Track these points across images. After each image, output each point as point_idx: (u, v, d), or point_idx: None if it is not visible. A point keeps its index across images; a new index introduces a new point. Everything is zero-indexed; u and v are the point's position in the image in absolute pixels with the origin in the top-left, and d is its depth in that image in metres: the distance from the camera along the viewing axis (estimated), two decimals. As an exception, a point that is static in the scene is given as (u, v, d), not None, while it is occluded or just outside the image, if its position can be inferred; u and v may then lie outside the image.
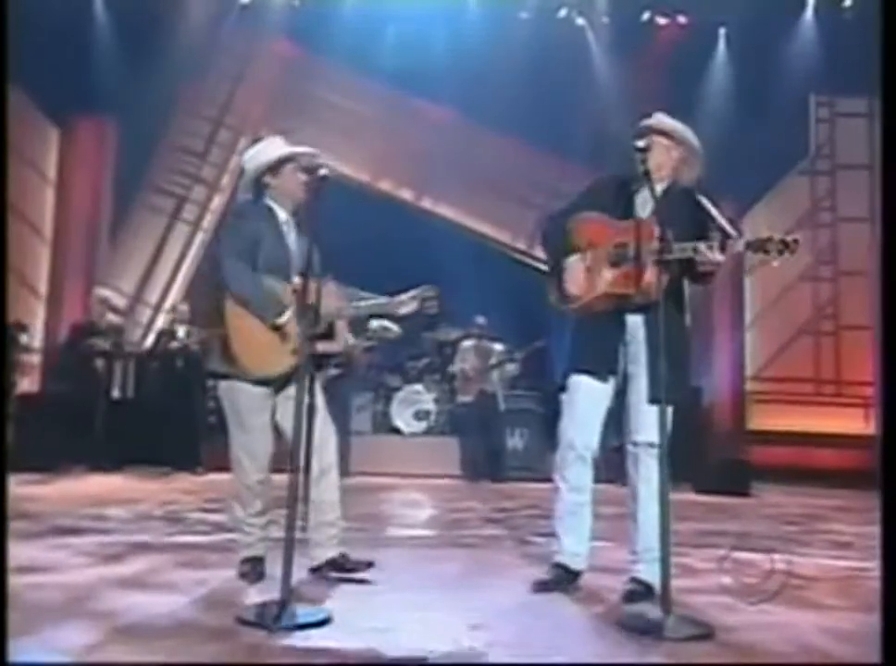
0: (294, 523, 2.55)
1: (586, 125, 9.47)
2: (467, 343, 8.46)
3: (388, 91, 10.25)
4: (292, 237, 3.19)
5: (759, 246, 2.73)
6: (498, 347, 8.38)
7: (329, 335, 3.20)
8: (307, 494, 2.95)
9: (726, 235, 2.81)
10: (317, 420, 3.01)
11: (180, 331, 7.85)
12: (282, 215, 3.20)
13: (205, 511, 5.03)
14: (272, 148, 3.22)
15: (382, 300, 3.28)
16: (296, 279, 3.05)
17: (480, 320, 8.42)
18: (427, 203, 10.94)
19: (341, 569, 3.12)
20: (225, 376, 3.09)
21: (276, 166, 3.18)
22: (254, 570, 3.09)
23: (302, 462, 2.83)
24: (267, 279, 3.06)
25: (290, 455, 2.66)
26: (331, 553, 3.13)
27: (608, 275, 3.01)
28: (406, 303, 3.22)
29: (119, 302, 8.33)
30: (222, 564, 3.29)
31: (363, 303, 3.25)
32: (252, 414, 3.10)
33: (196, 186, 10.59)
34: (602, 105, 9.58)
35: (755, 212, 10.30)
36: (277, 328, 3.02)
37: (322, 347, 3.14)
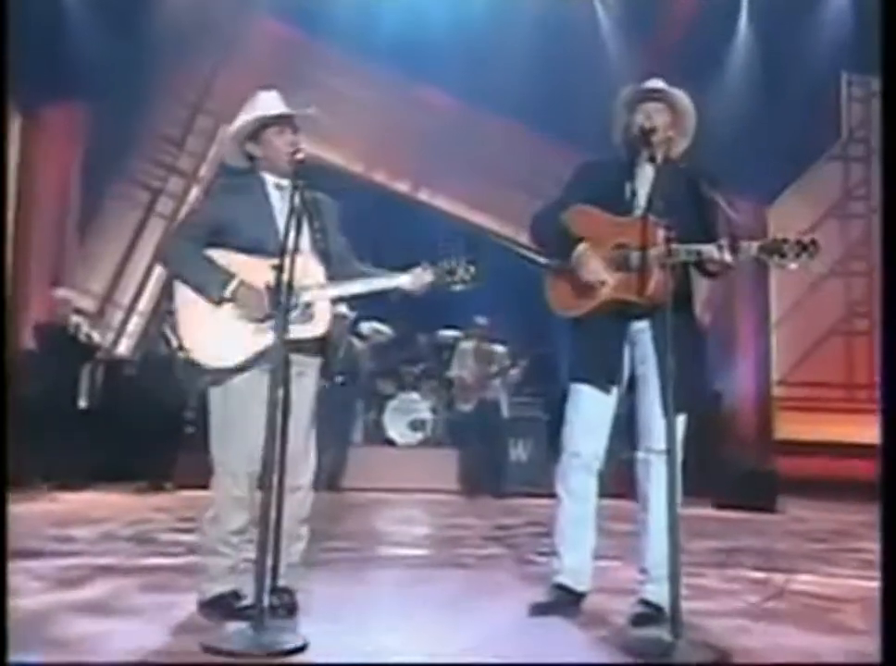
0: (266, 542, 2.53)
1: (596, 109, 9.42)
2: (467, 346, 8.44)
3: (384, 74, 10.25)
4: (284, 210, 2.97)
5: (774, 248, 2.71)
6: (500, 350, 8.36)
7: (304, 319, 2.96)
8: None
9: (734, 238, 2.79)
10: (291, 424, 2.90)
11: (173, 337, 7.75)
12: (273, 186, 3.08)
13: (179, 530, 5.00)
14: (250, 110, 3.05)
15: (378, 279, 3.03)
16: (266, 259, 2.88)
17: (481, 320, 8.39)
18: (424, 195, 10.95)
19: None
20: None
21: (254, 133, 3.05)
22: (225, 606, 2.90)
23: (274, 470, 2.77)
24: (214, 253, 2.95)
25: (262, 461, 2.60)
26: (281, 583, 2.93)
27: (610, 279, 2.99)
28: (412, 279, 2.99)
29: (87, 303, 8.31)
30: (194, 588, 3.27)
31: (347, 283, 3.00)
32: (243, 411, 2.92)
33: (172, 177, 10.60)
34: (613, 87, 9.54)
35: (781, 202, 10.28)
36: (220, 303, 2.91)
37: (300, 331, 2.91)
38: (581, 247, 3.00)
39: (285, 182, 3.05)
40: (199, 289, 2.94)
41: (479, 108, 10.31)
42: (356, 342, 8.30)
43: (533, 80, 9.40)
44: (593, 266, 2.98)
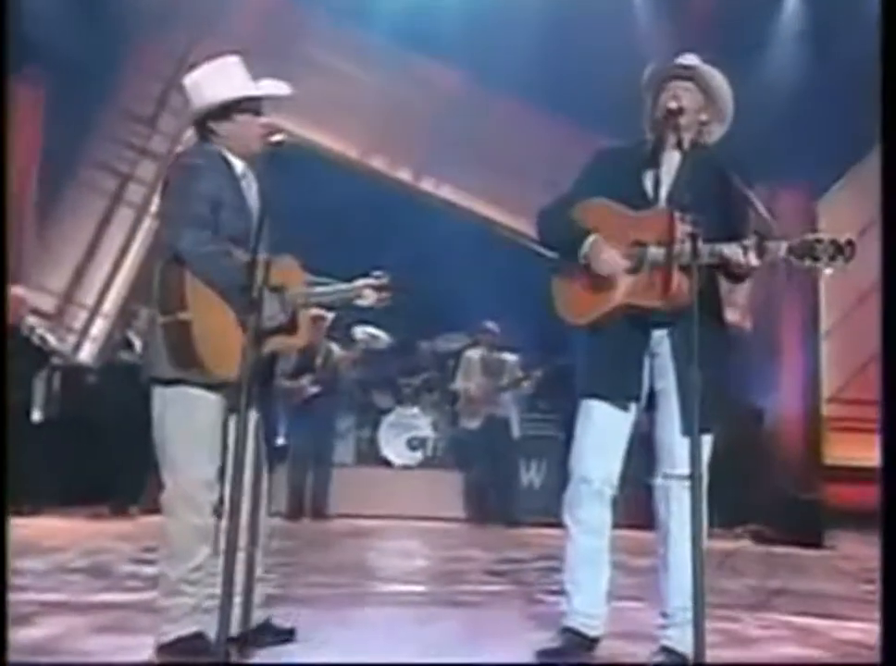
0: (232, 574, 2.52)
1: (621, 89, 9.37)
2: (473, 355, 8.45)
3: (382, 48, 10.26)
4: (252, 198, 3.03)
5: (805, 250, 2.69)
6: (511, 359, 8.36)
7: (289, 328, 2.97)
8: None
9: (762, 236, 2.76)
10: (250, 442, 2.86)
11: (137, 342, 7.74)
12: (240, 167, 3.06)
13: (140, 562, 5.00)
14: (219, 83, 3.00)
15: (343, 286, 3.21)
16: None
17: (490, 326, 8.39)
18: (428, 185, 10.97)
19: (271, 635, 3.08)
20: (177, 381, 2.87)
21: (224, 110, 3.02)
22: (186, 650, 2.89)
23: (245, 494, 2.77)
24: (236, 251, 2.88)
25: (231, 484, 2.60)
26: (258, 618, 3.06)
27: (626, 282, 2.98)
28: (366, 293, 3.21)
29: (45, 302, 8.32)
30: (152, 629, 3.25)
31: (322, 289, 3.13)
32: (211, 430, 2.92)
33: (143, 160, 10.62)
34: (640, 66, 9.51)
35: (830, 197, 10.25)
36: (244, 310, 2.77)
37: (281, 343, 2.97)
38: (593, 237, 3.00)
39: (247, 170, 3.08)
40: (223, 292, 2.85)
41: (489, 88, 10.33)
42: (335, 348, 8.23)
43: (550, 55, 9.31)
44: (608, 256, 2.97)
